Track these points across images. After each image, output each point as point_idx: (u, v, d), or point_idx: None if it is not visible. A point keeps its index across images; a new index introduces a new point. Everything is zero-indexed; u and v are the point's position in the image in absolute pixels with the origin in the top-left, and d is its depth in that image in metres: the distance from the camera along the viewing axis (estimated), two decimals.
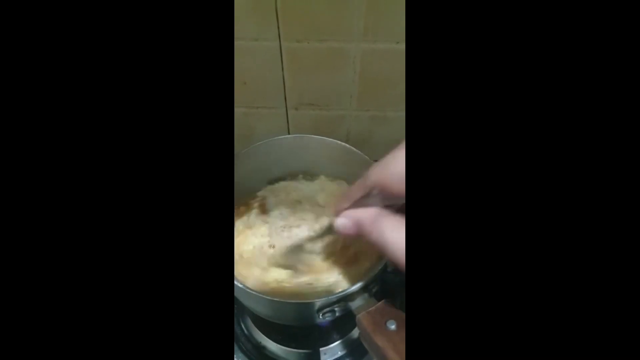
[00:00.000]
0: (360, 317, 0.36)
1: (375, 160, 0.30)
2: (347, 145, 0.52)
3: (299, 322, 0.49)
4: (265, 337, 0.53)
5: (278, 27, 0.52)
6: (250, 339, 0.54)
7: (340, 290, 0.39)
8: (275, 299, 0.39)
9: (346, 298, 0.39)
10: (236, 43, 0.54)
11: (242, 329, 0.55)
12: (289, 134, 0.65)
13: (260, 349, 0.53)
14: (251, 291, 0.39)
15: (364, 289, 0.39)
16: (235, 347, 0.53)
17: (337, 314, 0.40)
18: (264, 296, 0.39)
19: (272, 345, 0.53)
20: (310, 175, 0.58)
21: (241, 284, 0.39)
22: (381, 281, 0.43)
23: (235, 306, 0.55)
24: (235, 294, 0.45)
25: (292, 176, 0.58)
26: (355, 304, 0.38)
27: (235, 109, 0.62)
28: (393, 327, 0.34)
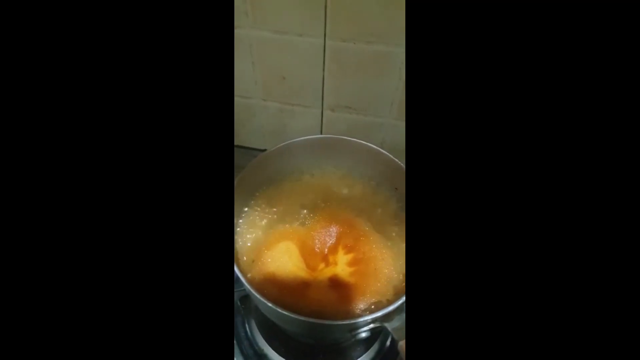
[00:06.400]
0: (403, 344, 0.33)
1: None
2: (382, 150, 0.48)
3: (327, 341, 0.46)
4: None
5: (325, 24, 0.50)
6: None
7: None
8: (311, 320, 0.35)
9: (382, 319, 0.36)
10: (280, 37, 0.52)
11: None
12: (321, 134, 0.63)
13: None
14: (285, 312, 0.35)
15: (400, 309, 0.37)
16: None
17: (370, 333, 0.38)
18: (295, 316, 0.35)
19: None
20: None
21: (274, 305, 0.35)
22: None
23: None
24: (263, 310, 0.43)
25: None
26: (392, 325, 0.36)
27: (270, 104, 0.60)
28: None
